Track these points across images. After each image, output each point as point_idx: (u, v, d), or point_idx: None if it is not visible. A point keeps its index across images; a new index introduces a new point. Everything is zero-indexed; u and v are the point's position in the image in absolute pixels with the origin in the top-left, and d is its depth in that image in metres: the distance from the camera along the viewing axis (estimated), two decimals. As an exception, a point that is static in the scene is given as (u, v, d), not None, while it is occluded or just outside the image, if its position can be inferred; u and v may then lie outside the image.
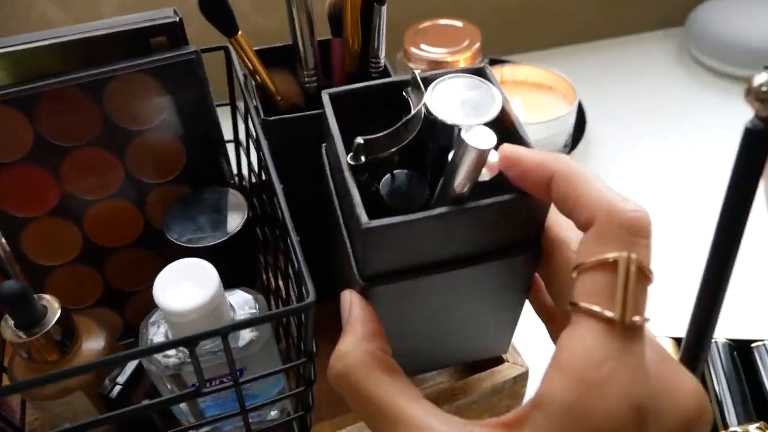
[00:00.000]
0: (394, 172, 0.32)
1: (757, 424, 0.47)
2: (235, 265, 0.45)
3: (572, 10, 0.86)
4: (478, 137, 0.27)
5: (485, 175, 0.29)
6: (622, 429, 0.22)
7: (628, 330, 0.23)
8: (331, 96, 0.33)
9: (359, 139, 0.30)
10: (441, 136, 0.31)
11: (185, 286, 0.35)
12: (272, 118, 0.43)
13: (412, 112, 0.31)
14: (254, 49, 0.45)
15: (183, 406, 0.43)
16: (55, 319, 0.41)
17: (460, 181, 0.28)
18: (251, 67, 0.45)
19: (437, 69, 0.33)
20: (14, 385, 0.39)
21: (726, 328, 0.53)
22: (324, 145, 0.37)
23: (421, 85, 0.31)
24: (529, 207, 0.29)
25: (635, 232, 0.24)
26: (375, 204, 0.30)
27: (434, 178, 0.32)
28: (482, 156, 0.27)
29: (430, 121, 0.30)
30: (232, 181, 0.50)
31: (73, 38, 0.41)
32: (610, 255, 0.24)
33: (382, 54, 0.46)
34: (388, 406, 0.27)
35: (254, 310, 0.40)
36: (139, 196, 0.47)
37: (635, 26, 0.88)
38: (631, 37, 0.88)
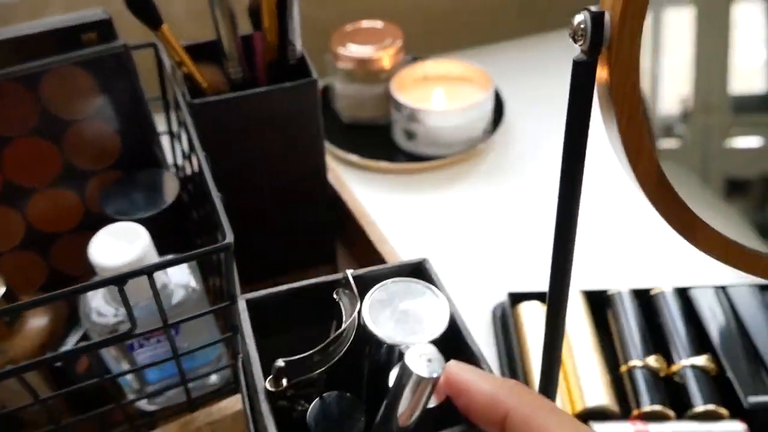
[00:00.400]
0: (324, 395, 0.28)
1: (655, 356, 0.52)
2: (167, 237, 0.49)
3: (493, 11, 0.93)
4: (425, 361, 0.23)
5: (432, 402, 0.25)
6: None
7: None
8: (249, 302, 0.29)
9: (280, 362, 0.25)
10: (378, 354, 0.27)
11: (118, 245, 0.38)
12: (197, 100, 0.47)
13: (343, 325, 0.27)
14: (182, 44, 0.50)
15: (129, 377, 0.47)
16: (1, 292, 0.44)
17: (404, 411, 0.24)
18: (177, 58, 0.49)
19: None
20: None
21: (626, 280, 0.59)
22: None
23: (354, 289, 0.28)
24: None
25: None
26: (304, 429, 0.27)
27: (370, 400, 0.28)
28: (428, 384, 0.23)
29: (364, 334, 0.27)
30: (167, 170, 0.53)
31: (9, 36, 0.45)
32: None
33: (298, 42, 0.51)
34: None
35: (188, 271, 0.44)
36: (78, 183, 0.50)
37: (552, 24, 0.95)
38: (549, 34, 0.94)
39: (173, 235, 0.49)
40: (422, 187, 0.72)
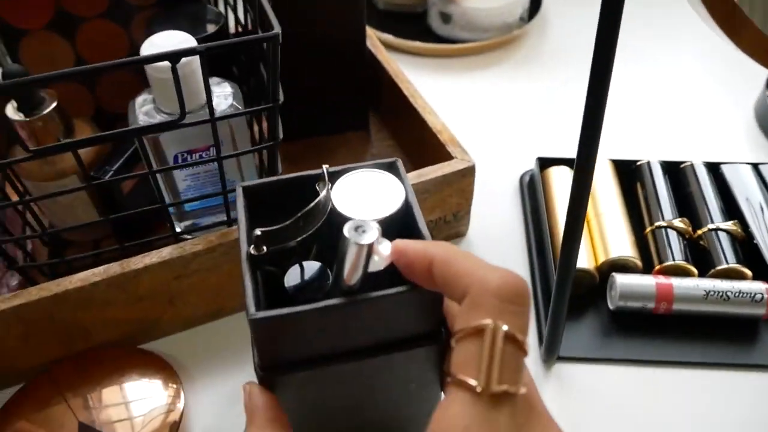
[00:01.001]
0: (303, 263, 0.33)
1: (680, 219, 0.53)
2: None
3: None
4: (360, 232, 0.27)
5: (378, 265, 0.29)
6: None
7: (493, 399, 0.24)
8: (245, 189, 0.34)
9: (257, 231, 0.31)
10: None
11: (168, 44, 0.40)
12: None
13: (311, 204, 0.32)
14: None
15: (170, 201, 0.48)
16: (53, 105, 0.45)
17: (347, 274, 0.29)
18: None
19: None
20: (38, 149, 0.43)
21: (657, 153, 0.59)
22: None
23: (326, 178, 0.33)
24: (421, 299, 0.30)
25: (506, 299, 0.24)
26: (285, 295, 0.32)
27: None
28: (362, 250, 0.27)
29: (336, 214, 0.32)
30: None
31: None
32: (479, 323, 0.24)
33: None
34: None
35: (233, 90, 0.45)
36: (125, 16, 0.52)
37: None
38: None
39: (218, 65, 0.50)
40: (455, 70, 0.73)
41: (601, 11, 0.32)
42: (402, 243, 0.28)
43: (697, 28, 0.76)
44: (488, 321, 0.24)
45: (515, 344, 0.24)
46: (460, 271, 0.26)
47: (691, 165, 0.57)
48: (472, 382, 0.24)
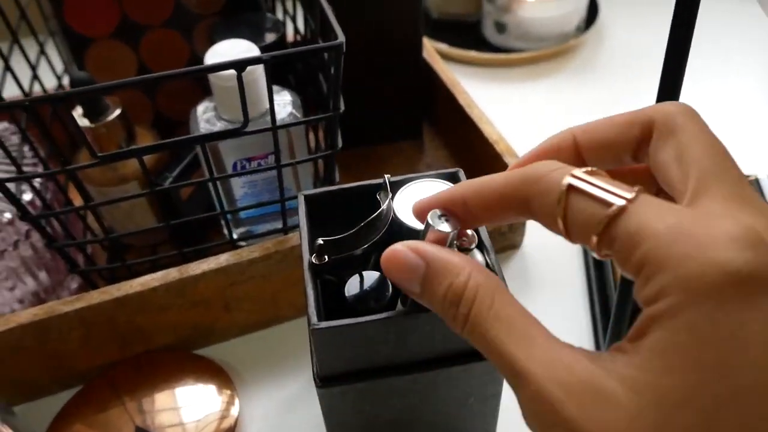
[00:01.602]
0: (363, 273, 0.33)
1: None
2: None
3: None
4: (444, 221, 0.26)
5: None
6: None
7: None
8: (306, 198, 0.34)
9: (320, 240, 0.30)
10: (407, 239, 0.32)
11: (232, 54, 0.40)
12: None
13: (374, 214, 0.31)
14: None
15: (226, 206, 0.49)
16: (117, 112, 0.46)
17: None
18: None
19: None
20: (105, 155, 0.44)
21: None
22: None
23: (388, 188, 0.33)
24: None
25: None
26: (345, 304, 0.32)
27: None
28: (448, 237, 0.26)
29: (397, 224, 0.31)
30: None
31: None
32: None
33: None
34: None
35: (292, 99, 0.45)
36: (187, 25, 0.52)
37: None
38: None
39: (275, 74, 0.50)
40: (510, 80, 0.72)
41: (673, 22, 0.31)
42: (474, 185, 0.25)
43: (765, 40, 0.74)
44: None
45: None
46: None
47: (756, 179, 0.55)
48: None
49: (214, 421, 0.43)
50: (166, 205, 0.50)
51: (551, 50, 0.72)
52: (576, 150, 0.25)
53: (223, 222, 0.50)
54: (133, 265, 0.47)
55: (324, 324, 0.29)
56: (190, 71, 0.35)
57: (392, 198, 0.33)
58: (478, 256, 0.31)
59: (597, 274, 0.52)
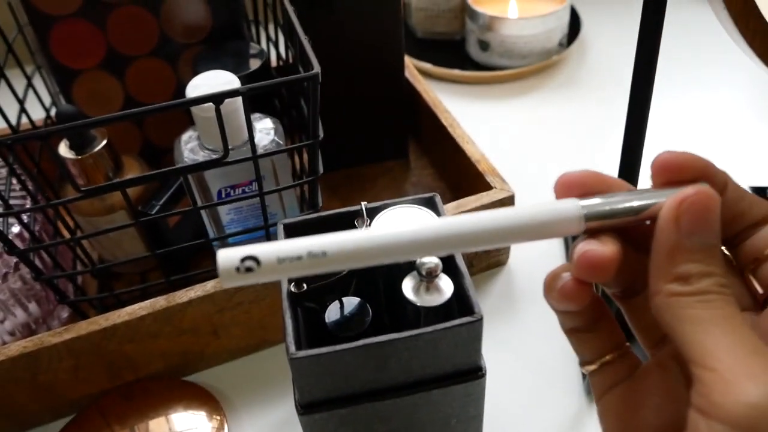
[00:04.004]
0: (343, 299, 0.34)
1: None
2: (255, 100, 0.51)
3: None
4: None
5: (435, 300, 0.31)
6: None
7: None
8: (286, 226, 0.35)
9: None
10: (384, 266, 0.32)
11: (213, 85, 0.41)
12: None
13: None
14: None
15: (212, 233, 0.49)
16: (103, 143, 0.47)
17: None
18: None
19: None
20: (88, 189, 0.45)
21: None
22: None
23: (365, 215, 0.34)
24: (461, 335, 0.30)
25: None
26: (326, 331, 0.33)
27: (388, 305, 0.35)
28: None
29: None
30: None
31: None
32: None
33: None
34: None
35: (274, 126, 0.46)
36: (172, 55, 0.53)
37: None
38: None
39: (260, 100, 0.51)
40: (494, 97, 0.73)
41: (639, 35, 0.32)
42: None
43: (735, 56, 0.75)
44: None
45: None
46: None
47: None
48: None
49: (204, 448, 0.43)
50: (153, 232, 0.51)
51: (534, 67, 0.73)
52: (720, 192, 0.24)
53: (211, 248, 0.50)
54: (122, 294, 0.48)
55: (302, 353, 0.29)
56: (170, 105, 0.36)
57: (369, 224, 0.34)
58: (446, 281, 0.32)
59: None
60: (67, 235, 0.52)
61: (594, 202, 0.23)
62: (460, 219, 0.22)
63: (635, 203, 0.23)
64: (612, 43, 0.79)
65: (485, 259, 0.54)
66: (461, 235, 0.22)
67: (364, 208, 0.34)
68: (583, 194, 0.23)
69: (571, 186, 0.24)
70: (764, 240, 0.24)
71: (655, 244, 0.22)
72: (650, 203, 0.23)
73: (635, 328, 0.27)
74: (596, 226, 0.23)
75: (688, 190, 0.21)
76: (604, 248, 0.22)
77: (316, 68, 0.37)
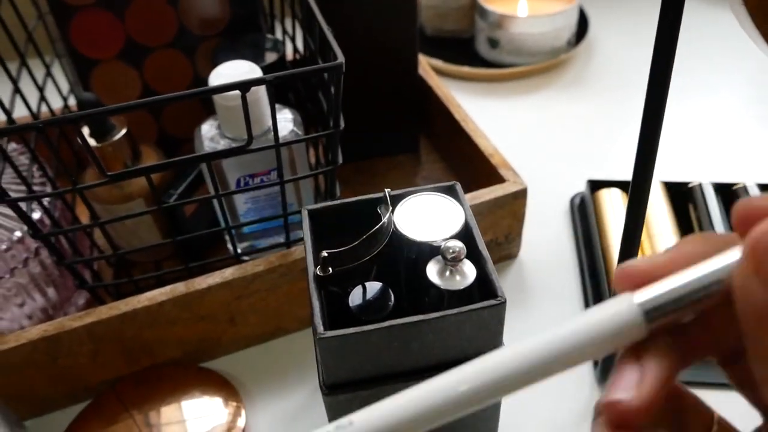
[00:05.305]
0: (366, 283, 0.34)
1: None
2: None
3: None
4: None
5: (460, 284, 0.31)
6: None
7: None
8: (310, 212, 0.36)
9: (324, 253, 0.32)
10: (407, 250, 0.34)
11: (236, 74, 0.42)
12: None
13: (375, 227, 0.33)
14: None
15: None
16: (123, 132, 0.48)
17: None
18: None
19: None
20: (114, 174, 0.46)
21: (709, 175, 0.59)
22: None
23: (389, 202, 0.34)
24: (484, 319, 0.31)
25: None
26: (349, 314, 0.33)
27: (408, 289, 0.35)
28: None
29: (397, 236, 0.33)
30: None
31: None
32: None
33: None
34: None
35: (293, 116, 0.47)
36: (190, 46, 0.54)
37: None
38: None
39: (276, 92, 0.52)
40: (504, 94, 0.74)
41: (657, 34, 0.33)
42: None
43: (751, 53, 0.76)
44: None
45: None
46: None
47: (744, 187, 0.57)
48: None
49: (222, 432, 0.44)
50: (170, 221, 0.51)
51: (543, 65, 0.74)
52: None
53: (227, 237, 0.51)
54: (139, 281, 0.48)
55: (330, 333, 0.30)
56: (196, 93, 0.36)
57: (392, 211, 0.34)
58: (469, 266, 0.33)
59: (592, 284, 0.53)
60: (86, 222, 0.52)
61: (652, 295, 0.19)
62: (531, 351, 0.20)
63: (701, 276, 0.18)
64: (619, 42, 0.80)
65: (497, 252, 0.55)
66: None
67: (387, 195, 0.35)
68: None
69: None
70: None
71: (739, 312, 0.17)
72: (720, 268, 0.18)
73: (747, 398, 0.21)
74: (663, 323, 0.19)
75: (764, 227, 0.16)
76: (638, 393, 0.18)
77: (340, 58, 0.37)
